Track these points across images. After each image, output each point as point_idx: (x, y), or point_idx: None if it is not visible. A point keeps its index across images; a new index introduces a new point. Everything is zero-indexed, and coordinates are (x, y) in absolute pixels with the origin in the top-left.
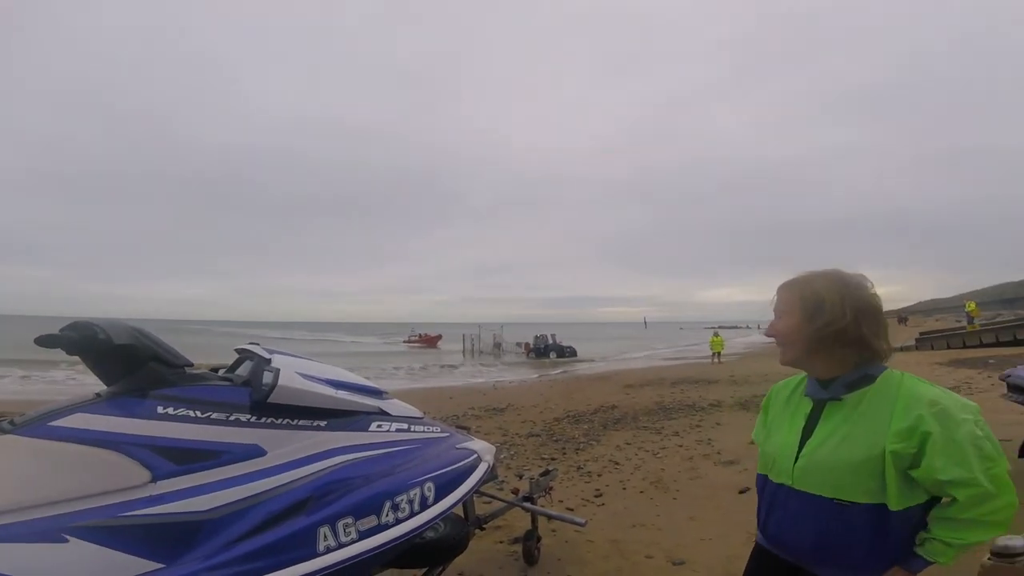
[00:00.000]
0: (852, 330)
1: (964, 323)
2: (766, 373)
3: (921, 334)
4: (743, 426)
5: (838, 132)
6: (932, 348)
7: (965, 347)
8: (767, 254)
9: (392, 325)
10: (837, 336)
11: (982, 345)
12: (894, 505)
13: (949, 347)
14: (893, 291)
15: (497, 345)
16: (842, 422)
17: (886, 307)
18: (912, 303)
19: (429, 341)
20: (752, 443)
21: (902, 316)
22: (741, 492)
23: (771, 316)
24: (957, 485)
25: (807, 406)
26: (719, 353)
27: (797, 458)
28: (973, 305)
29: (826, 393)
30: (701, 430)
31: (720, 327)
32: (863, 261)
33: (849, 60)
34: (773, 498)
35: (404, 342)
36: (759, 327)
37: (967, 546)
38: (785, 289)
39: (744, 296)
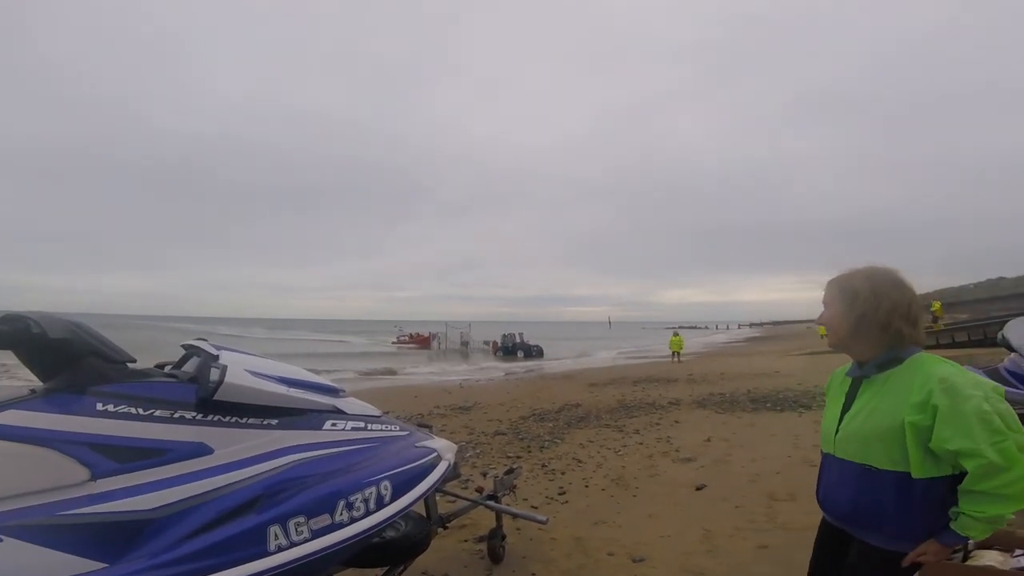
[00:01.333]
0: (881, 318)
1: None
2: (722, 372)
3: None
4: (700, 424)
5: (801, 136)
6: None
7: (939, 345)
8: (726, 256)
9: (360, 323)
10: (870, 323)
11: (954, 344)
12: (916, 473)
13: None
14: None
15: (464, 344)
16: (872, 397)
17: None
18: None
19: (422, 341)
20: (708, 440)
21: None
22: (698, 489)
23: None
24: (965, 456)
25: (847, 384)
26: (678, 352)
27: (838, 430)
28: (938, 305)
29: (861, 372)
30: (660, 428)
31: (680, 327)
32: (824, 263)
33: (816, 65)
34: (823, 466)
35: (393, 343)
36: (717, 327)
37: (992, 520)
38: (830, 283)
39: (703, 297)
